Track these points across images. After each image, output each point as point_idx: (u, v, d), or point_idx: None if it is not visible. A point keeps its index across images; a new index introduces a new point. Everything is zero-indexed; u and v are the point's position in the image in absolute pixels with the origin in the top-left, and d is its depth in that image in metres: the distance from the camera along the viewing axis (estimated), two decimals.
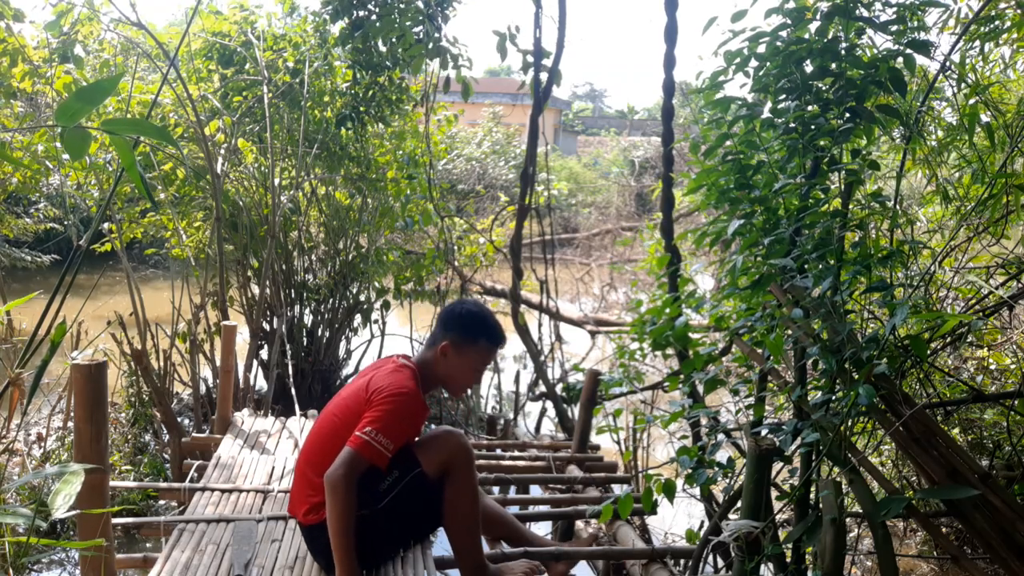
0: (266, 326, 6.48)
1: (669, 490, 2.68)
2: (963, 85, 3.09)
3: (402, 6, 5.52)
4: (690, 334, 3.33)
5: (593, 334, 10.09)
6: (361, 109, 6.20)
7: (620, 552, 3.33)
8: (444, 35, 5.72)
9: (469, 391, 7.01)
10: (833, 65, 2.52)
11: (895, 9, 2.51)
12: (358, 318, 7.12)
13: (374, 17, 5.63)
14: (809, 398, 2.37)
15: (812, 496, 2.35)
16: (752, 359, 2.83)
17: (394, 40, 5.70)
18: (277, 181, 5.98)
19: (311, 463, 2.63)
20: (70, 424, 5.17)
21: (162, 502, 4.62)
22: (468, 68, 5.78)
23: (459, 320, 2.68)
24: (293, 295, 6.79)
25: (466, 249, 7.56)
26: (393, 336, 7.25)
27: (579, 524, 3.93)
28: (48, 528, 4.21)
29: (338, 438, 2.56)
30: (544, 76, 5.53)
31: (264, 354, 6.44)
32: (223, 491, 3.38)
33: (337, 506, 2.35)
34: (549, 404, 6.58)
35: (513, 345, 8.30)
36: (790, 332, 2.40)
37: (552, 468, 4.26)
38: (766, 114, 2.67)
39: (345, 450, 2.38)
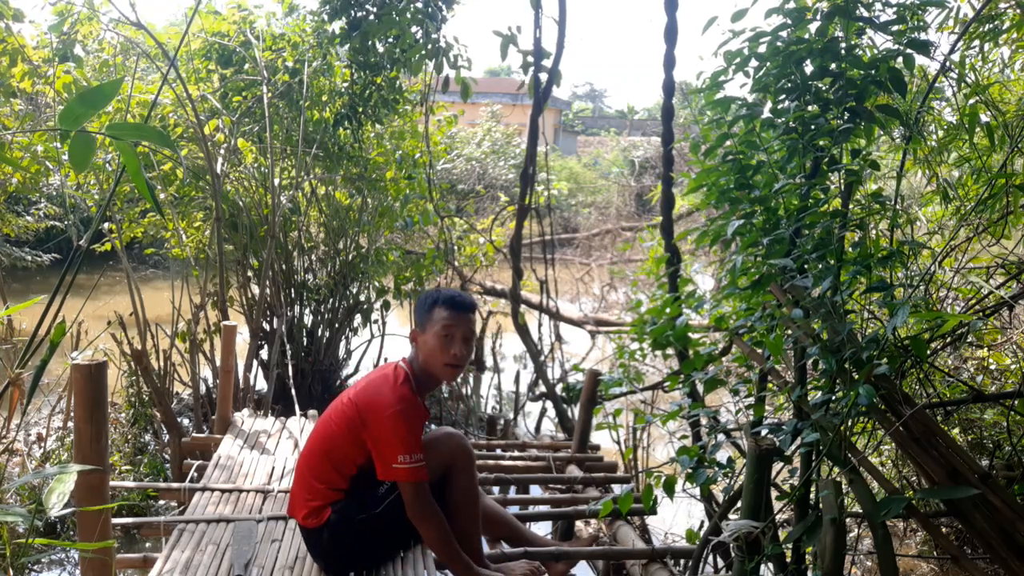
0: (266, 326, 6.47)
1: (669, 486, 2.68)
2: (963, 85, 3.09)
3: (400, 5, 5.52)
4: (690, 334, 3.33)
5: (593, 334, 10.09)
6: (359, 109, 6.20)
7: (620, 552, 3.33)
8: (443, 35, 5.72)
9: (469, 391, 7.02)
10: (833, 65, 2.52)
11: (895, 9, 2.51)
12: (358, 318, 7.12)
13: (372, 17, 5.63)
14: (809, 398, 2.37)
15: (812, 496, 2.35)
16: (752, 359, 2.83)
17: (392, 40, 5.69)
18: (277, 181, 5.98)
19: (311, 465, 2.66)
20: (70, 424, 5.17)
21: (162, 502, 4.62)
22: (467, 68, 5.78)
23: (416, 307, 2.80)
24: (293, 295, 6.78)
25: (466, 249, 7.56)
26: (393, 336, 7.24)
27: (579, 524, 3.93)
28: (48, 528, 4.21)
29: (334, 443, 2.63)
30: (544, 76, 5.53)
31: (264, 354, 6.44)
32: (223, 491, 3.38)
33: (430, 533, 2.58)
34: (549, 404, 6.58)
35: (513, 345, 8.33)
36: (790, 332, 2.40)
37: (552, 468, 4.26)
38: (766, 114, 2.67)
39: (403, 488, 2.54)
